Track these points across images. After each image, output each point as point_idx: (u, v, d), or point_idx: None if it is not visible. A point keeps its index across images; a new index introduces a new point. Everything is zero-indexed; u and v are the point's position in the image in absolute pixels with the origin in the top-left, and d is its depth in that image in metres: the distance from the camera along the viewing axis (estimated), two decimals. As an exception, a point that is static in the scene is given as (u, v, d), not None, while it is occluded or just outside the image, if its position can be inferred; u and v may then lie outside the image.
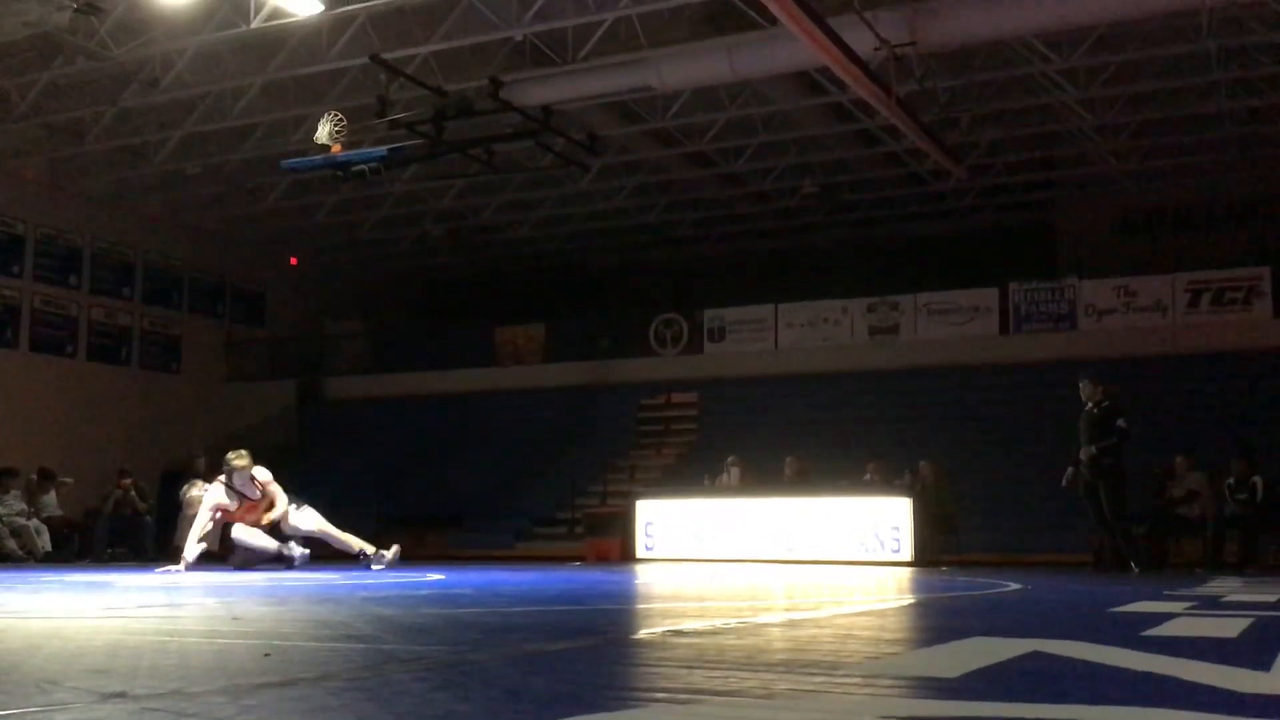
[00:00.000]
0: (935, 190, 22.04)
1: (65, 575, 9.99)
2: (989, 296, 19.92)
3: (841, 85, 15.55)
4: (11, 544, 14.49)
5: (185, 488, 14.47)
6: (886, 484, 14.47)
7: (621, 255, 26.31)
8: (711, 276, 24.87)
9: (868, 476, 14.76)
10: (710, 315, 21.87)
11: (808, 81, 16.97)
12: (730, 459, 16.00)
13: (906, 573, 11.75)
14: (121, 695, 2.21)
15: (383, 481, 20.84)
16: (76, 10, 14.03)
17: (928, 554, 13.67)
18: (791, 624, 4.63)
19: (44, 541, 15.05)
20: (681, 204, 23.62)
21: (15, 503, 15.27)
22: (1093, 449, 11.38)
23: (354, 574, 9.92)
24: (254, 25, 14.44)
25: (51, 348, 20.70)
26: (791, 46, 13.13)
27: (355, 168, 13.18)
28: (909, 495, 13.95)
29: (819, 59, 12.70)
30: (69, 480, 16.53)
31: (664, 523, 15.62)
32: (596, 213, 23.79)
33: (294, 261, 25.03)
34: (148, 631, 3.89)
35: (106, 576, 9.65)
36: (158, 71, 16.64)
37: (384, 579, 8.68)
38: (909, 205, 23.10)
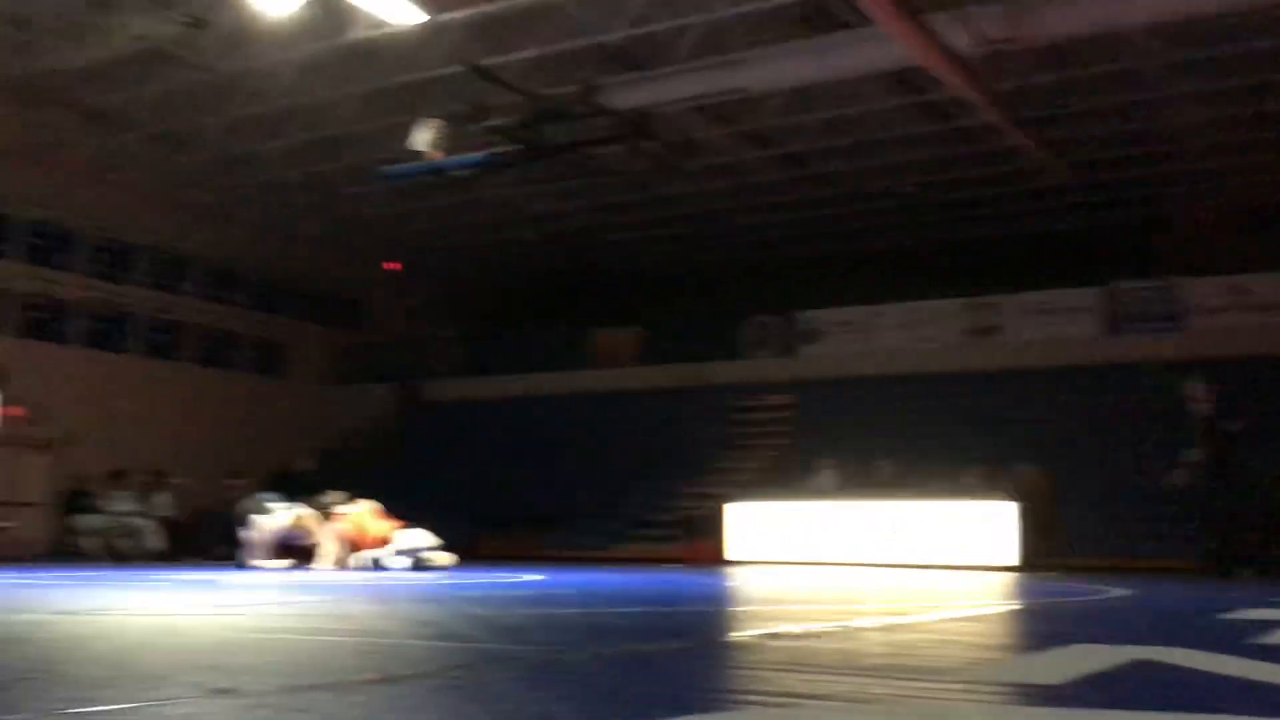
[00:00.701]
0: (1034, 188, 21.58)
1: (176, 574, 10.29)
2: (1090, 296, 19.47)
3: (937, 83, 15.34)
4: (125, 543, 14.96)
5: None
6: (988, 487, 14.23)
7: (716, 257, 26.26)
8: (806, 278, 24.70)
9: (969, 480, 14.54)
10: (805, 317, 21.73)
11: (902, 80, 16.77)
12: (825, 461, 15.87)
13: (1009, 577, 11.54)
14: (230, 691, 2.27)
15: (480, 483, 21.09)
16: (184, 24, 14.45)
17: (1031, 558, 13.42)
18: (889, 628, 4.59)
19: (156, 541, 15.52)
20: (776, 205, 23.49)
21: (128, 503, 15.77)
22: (1202, 452, 11.07)
23: (451, 573, 10.05)
24: (355, 36, 14.73)
25: (163, 353, 21.36)
26: (885, 45, 13.00)
27: (453, 174, 13.35)
28: (1012, 499, 13.71)
29: (915, 57, 12.55)
30: (182, 480, 17.03)
31: (758, 525, 15.56)
32: (691, 215, 23.78)
33: (394, 267, 25.45)
34: (255, 629, 3.99)
35: (215, 575, 9.92)
36: (263, 83, 17.06)
37: (482, 580, 8.77)
38: (1007, 204, 22.65)
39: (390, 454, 23.54)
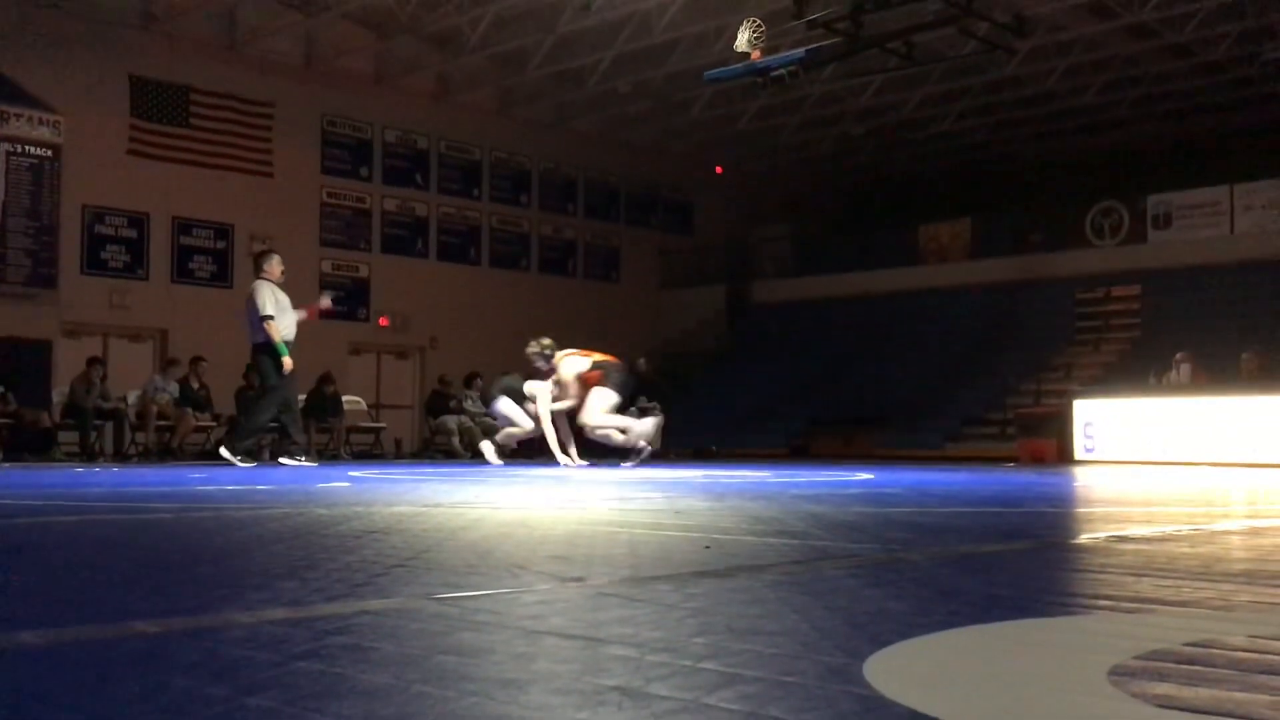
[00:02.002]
0: None
1: (529, 470, 10.99)
2: None
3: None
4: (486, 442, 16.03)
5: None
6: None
7: (1053, 143, 24.84)
8: (1155, 160, 22.96)
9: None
10: (1155, 201, 20.24)
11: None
12: (1179, 355, 14.87)
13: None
14: (580, 580, 2.41)
15: (810, 384, 21.16)
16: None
17: None
18: (1254, 532, 4.28)
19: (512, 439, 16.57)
20: (1119, 82, 21.86)
21: (479, 405, 16.90)
22: None
23: (783, 471, 10.19)
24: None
25: (507, 262, 22.62)
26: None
27: (775, 72, 13.24)
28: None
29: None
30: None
31: (1105, 423, 14.82)
32: (1025, 99, 22.55)
33: (719, 170, 25.66)
34: (601, 523, 4.21)
35: (563, 472, 10.52)
36: (589, -5, 17.47)
37: (816, 478, 8.85)
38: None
39: (720, 355, 23.99)
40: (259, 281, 11.36)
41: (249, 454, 11.51)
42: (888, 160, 26.46)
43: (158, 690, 1.40)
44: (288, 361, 10.97)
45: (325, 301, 12.52)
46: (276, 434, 12.10)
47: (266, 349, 11.12)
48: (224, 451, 11.24)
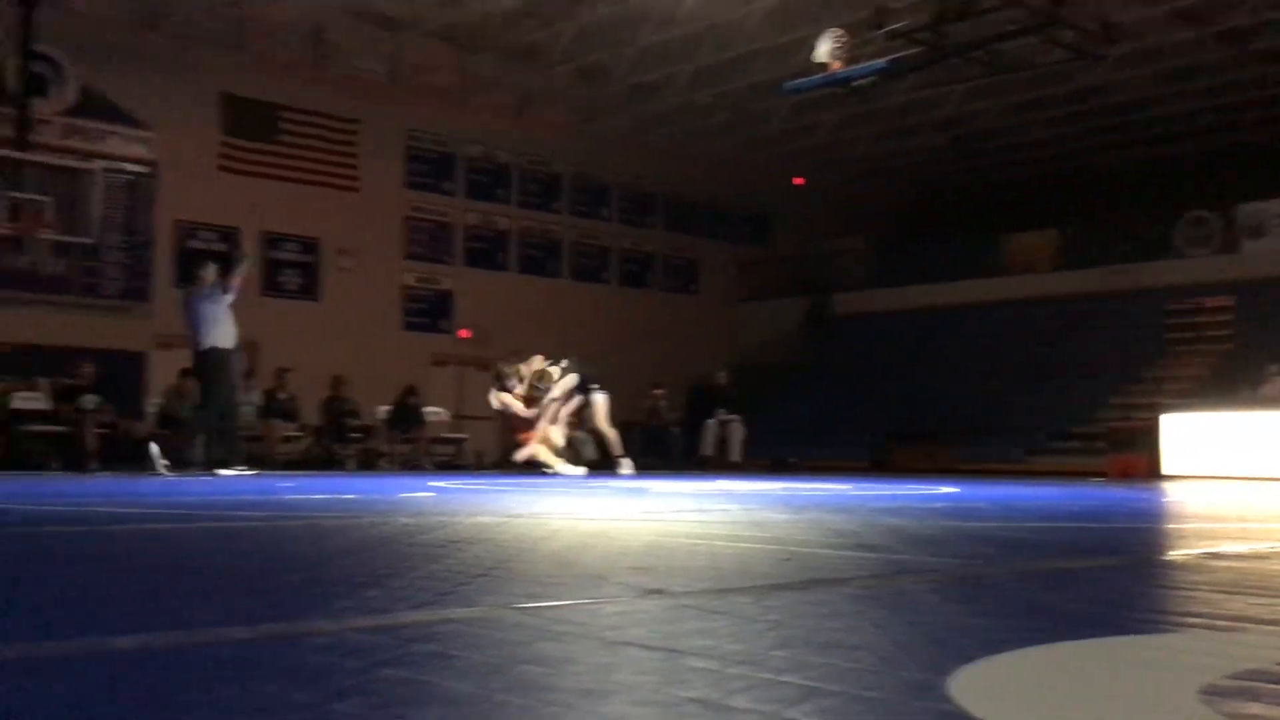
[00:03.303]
0: None
1: (608, 481, 11.03)
2: None
3: None
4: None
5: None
6: None
7: (1141, 151, 24.34)
8: (1247, 168, 22.38)
9: None
10: (1247, 210, 19.73)
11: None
12: (1274, 368, 14.49)
13: None
14: (659, 592, 2.42)
15: (890, 396, 20.95)
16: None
17: None
18: (1353, 551, 4.15)
19: (588, 451, 16.65)
20: (1211, 89, 21.36)
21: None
22: None
23: (863, 484, 10.10)
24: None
25: (587, 275, 22.75)
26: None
27: (855, 83, 13.19)
28: None
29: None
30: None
31: (1197, 437, 14.47)
32: (1111, 106, 22.14)
33: (798, 181, 25.54)
34: (680, 534, 4.21)
35: (642, 483, 10.54)
36: (671, 9, 17.54)
37: (896, 491, 8.76)
38: None
39: (799, 368, 23.86)
40: (191, 289, 11.77)
41: (244, 460, 11.70)
42: (969, 170, 26.13)
43: (247, 695, 1.43)
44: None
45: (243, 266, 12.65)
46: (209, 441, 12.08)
47: (206, 358, 11.33)
48: (225, 473, 11.27)
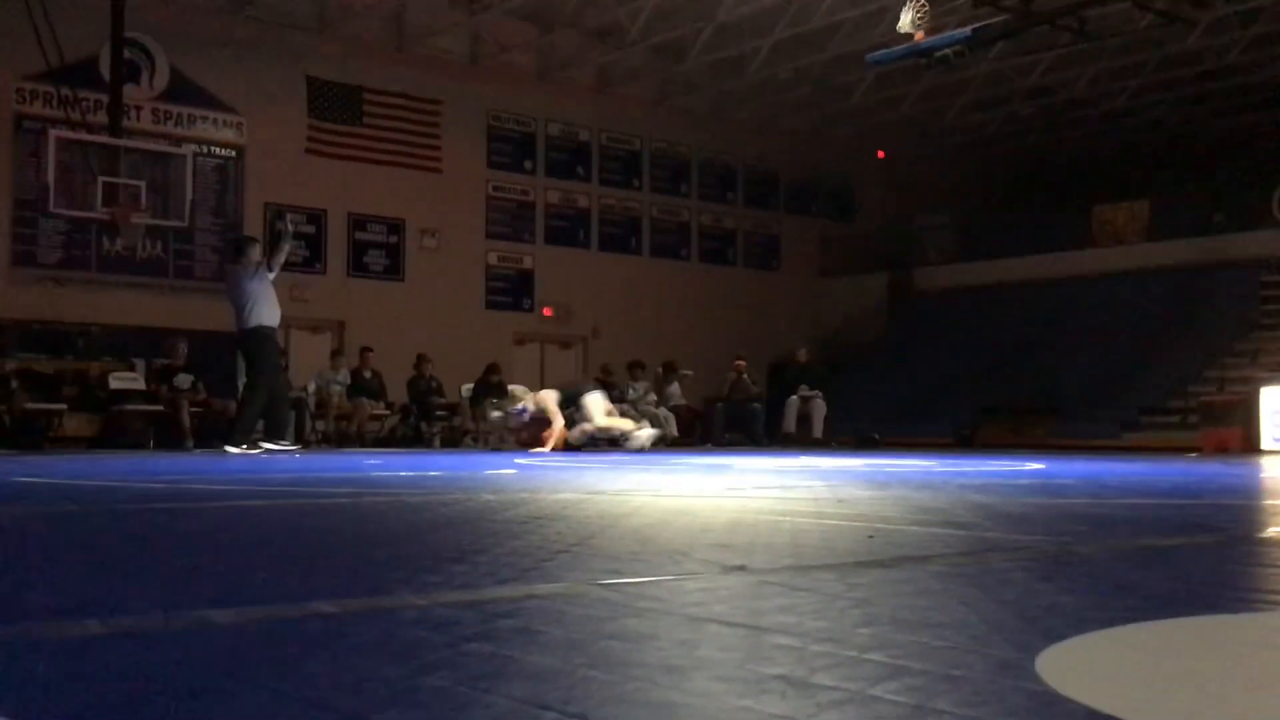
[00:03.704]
0: None
1: (691, 458, 11.04)
2: None
3: None
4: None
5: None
6: None
7: (1236, 118, 23.63)
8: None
9: None
10: (1352, 177, 19.07)
11: None
12: (1379, 341, 14.00)
13: None
14: (741, 568, 2.42)
15: (976, 371, 20.66)
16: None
17: None
18: None
19: (671, 427, 16.69)
20: (1310, 52, 20.66)
21: (645, 392, 17.05)
22: None
23: (949, 461, 9.98)
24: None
25: (667, 252, 22.73)
26: None
27: (939, 53, 12.97)
28: None
29: None
30: (689, 373, 18.14)
31: (1295, 412, 14.07)
32: (1205, 73, 21.50)
33: (881, 155, 25.23)
34: (763, 510, 4.20)
35: (725, 459, 10.54)
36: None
37: (983, 468, 8.64)
38: None
39: (883, 343, 23.63)
40: (234, 268, 11.79)
41: (253, 444, 11.78)
42: (1057, 141, 25.59)
43: (338, 669, 1.46)
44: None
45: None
46: (264, 422, 12.07)
47: (251, 336, 11.43)
48: (230, 448, 11.38)
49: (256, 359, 11.61)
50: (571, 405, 12.95)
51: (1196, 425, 16.04)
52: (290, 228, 13.02)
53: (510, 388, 14.25)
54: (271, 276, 11.70)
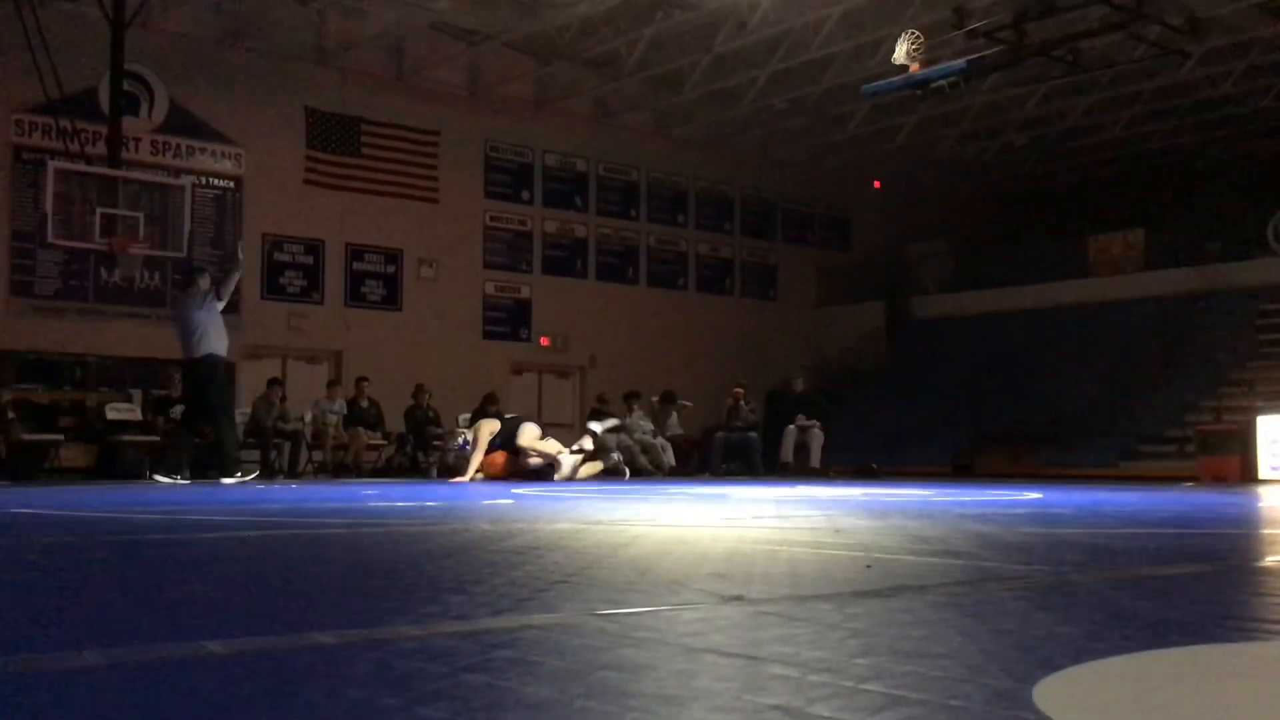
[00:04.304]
0: None
1: (688, 488, 11.02)
2: None
3: None
4: (643, 460, 16.18)
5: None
6: None
7: (1230, 148, 23.76)
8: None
9: None
10: (1344, 206, 19.14)
11: None
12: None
13: None
14: (739, 598, 2.41)
15: (973, 401, 20.65)
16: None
17: None
18: None
19: (669, 457, 16.67)
20: (1303, 83, 20.80)
21: (643, 422, 17.03)
22: None
23: (946, 490, 9.97)
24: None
25: (665, 282, 22.77)
26: None
27: (934, 84, 13.06)
28: None
29: None
30: (688, 404, 18.14)
31: (1293, 441, 14.07)
32: (1199, 103, 21.64)
33: (877, 185, 25.33)
34: (760, 540, 4.20)
35: (723, 489, 10.52)
36: (745, 14, 17.52)
37: (981, 497, 8.64)
38: None
39: (880, 372, 23.64)
40: (183, 298, 11.91)
41: (244, 469, 11.88)
42: (1053, 170, 25.71)
43: (335, 699, 1.46)
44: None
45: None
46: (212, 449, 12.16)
47: (201, 364, 11.43)
48: (226, 480, 11.43)
49: (209, 387, 11.61)
50: (506, 436, 13.16)
51: (1194, 454, 16.03)
52: (241, 255, 13.20)
53: (459, 428, 14.61)
54: (220, 306, 11.74)
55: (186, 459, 12.18)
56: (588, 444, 13.83)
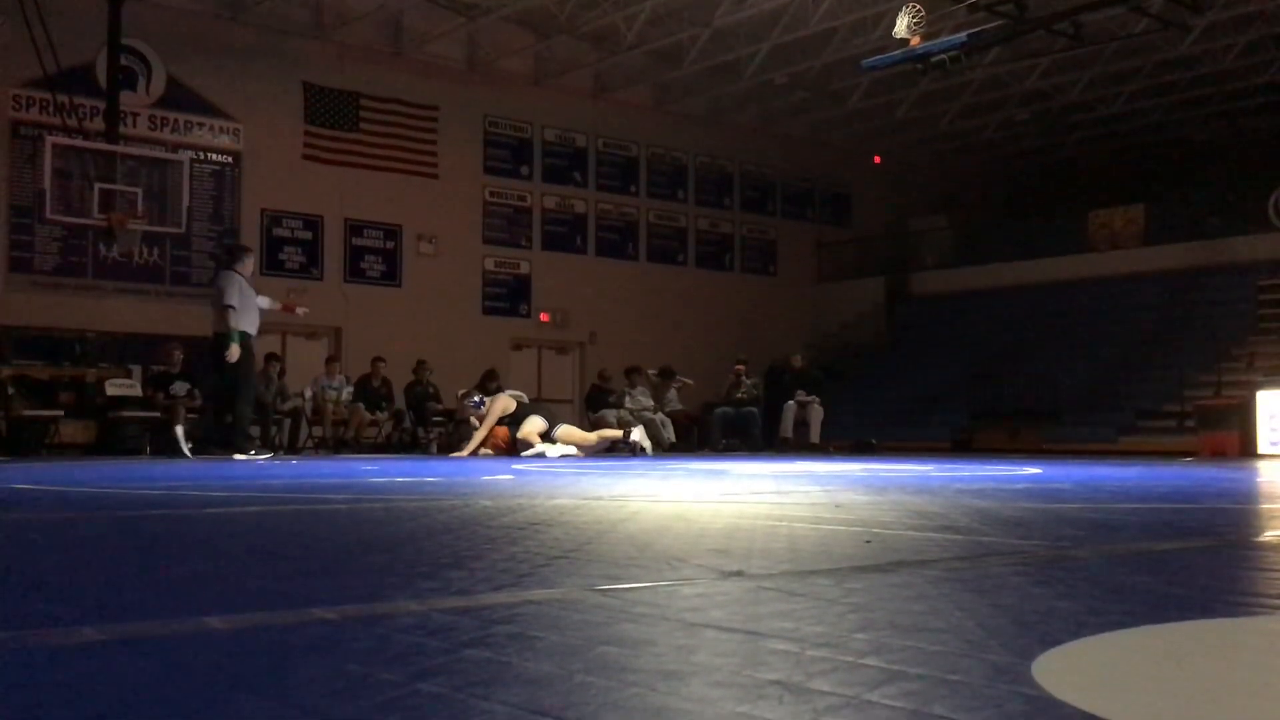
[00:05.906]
0: None
1: (688, 463, 11.03)
2: None
3: None
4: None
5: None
6: None
7: (1231, 122, 23.68)
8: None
9: None
10: (1345, 181, 19.10)
11: None
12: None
13: None
14: (739, 574, 2.42)
15: (973, 376, 20.67)
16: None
17: None
18: None
19: (669, 433, 16.68)
20: (1306, 57, 20.71)
21: (643, 398, 17.04)
22: None
23: (946, 465, 9.98)
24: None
25: (664, 257, 22.74)
26: None
27: (935, 58, 13.00)
28: None
29: None
30: (688, 381, 18.14)
31: (1292, 416, 14.08)
32: (1201, 78, 21.57)
33: (877, 160, 25.27)
34: (759, 516, 4.20)
35: (722, 465, 10.53)
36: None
37: (980, 472, 8.64)
38: None
39: (880, 348, 23.64)
40: (228, 273, 11.90)
41: (255, 445, 12.00)
42: (1054, 145, 25.63)
43: (335, 675, 1.46)
44: (234, 349, 11.46)
45: (300, 310, 13.36)
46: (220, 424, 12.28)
47: (225, 338, 11.52)
48: (237, 455, 11.59)
49: (236, 364, 11.70)
50: (517, 420, 13.24)
51: (1193, 429, 16.05)
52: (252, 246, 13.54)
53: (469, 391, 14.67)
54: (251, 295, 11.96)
55: (216, 436, 12.30)
56: (610, 434, 13.88)
